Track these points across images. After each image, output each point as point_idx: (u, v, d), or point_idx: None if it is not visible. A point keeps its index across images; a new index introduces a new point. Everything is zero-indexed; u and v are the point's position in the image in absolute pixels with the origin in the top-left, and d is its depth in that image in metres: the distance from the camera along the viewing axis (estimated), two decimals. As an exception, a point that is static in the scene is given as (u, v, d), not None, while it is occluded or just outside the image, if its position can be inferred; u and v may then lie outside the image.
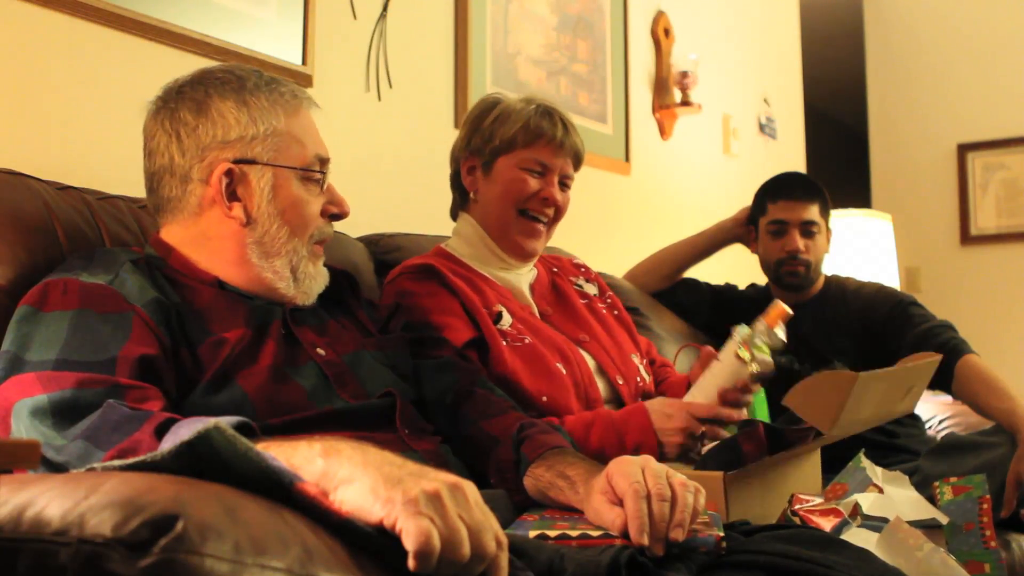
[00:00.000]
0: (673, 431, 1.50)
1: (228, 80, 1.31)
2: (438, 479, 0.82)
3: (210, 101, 1.29)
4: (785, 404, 1.43)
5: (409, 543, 0.76)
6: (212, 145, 1.27)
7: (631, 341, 1.87)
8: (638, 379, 1.78)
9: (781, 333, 1.58)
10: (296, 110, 1.33)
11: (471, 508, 0.81)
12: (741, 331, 1.56)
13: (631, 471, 1.07)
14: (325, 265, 1.40)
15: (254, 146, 1.28)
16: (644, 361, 1.86)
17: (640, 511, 1.03)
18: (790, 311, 1.59)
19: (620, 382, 1.74)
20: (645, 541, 1.01)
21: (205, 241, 1.30)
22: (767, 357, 1.55)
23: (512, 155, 1.75)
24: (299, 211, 1.31)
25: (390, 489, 0.80)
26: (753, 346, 1.53)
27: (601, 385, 1.72)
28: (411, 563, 0.76)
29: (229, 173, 1.27)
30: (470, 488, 0.83)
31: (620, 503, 1.06)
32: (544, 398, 1.60)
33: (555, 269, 1.93)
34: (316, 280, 1.35)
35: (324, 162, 1.35)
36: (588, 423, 1.56)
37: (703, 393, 1.57)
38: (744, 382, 1.55)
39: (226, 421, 0.87)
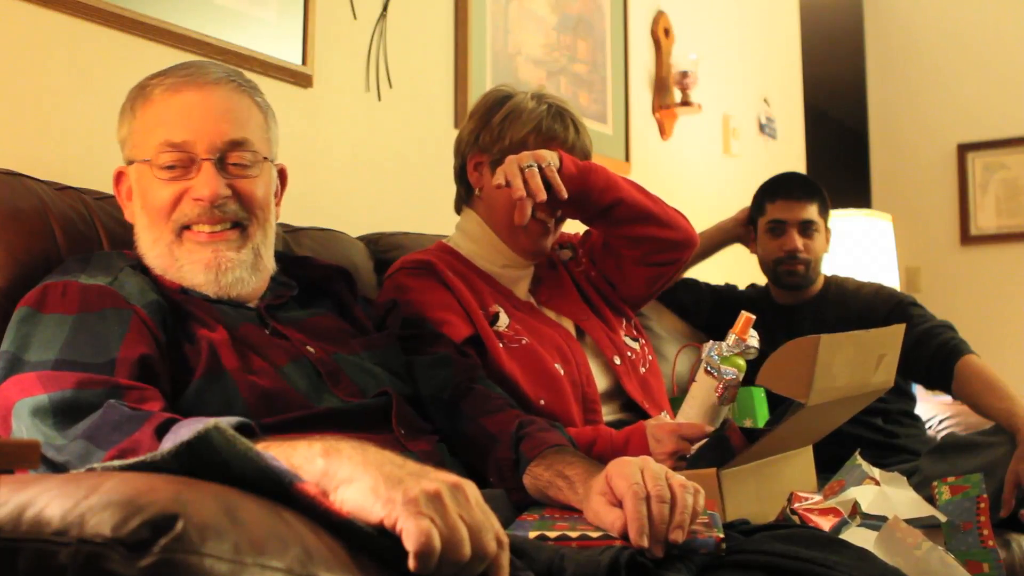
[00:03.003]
0: (663, 456, 1.50)
1: (138, 85, 1.35)
2: (439, 479, 0.82)
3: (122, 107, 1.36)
4: (759, 383, 1.44)
5: (409, 543, 0.76)
6: (122, 150, 1.35)
7: (611, 312, 1.85)
8: (629, 354, 1.78)
9: (753, 341, 1.60)
10: (147, 99, 1.30)
11: (472, 508, 0.81)
12: (710, 347, 1.58)
13: (630, 472, 1.07)
14: (319, 264, 1.40)
15: (126, 148, 1.34)
16: (628, 330, 1.85)
17: (639, 513, 1.02)
18: (753, 316, 1.60)
19: (617, 362, 1.74)
20: (645, 543, 1.01)
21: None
22: (737, 368, 1.58)
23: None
24: (148, 200, 1.29)
25: (390, 489, 0.80)
26: (723, 360, 1.55)
27: (598, 374, 1.72)
28: (411, 563, 0.76)
29: (118, 177, 1.35)
30: (471, 488, 0.83)
31: (619, 504, 1.06)
32: (542, 401, 1.60)
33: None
34: (228, 269, 1.28)
35: (178, 145, 1.26)
36: (589, 441, 1.56)
37: (687, 414, 1.59)
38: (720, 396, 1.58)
39: (226, 421, 0.87)
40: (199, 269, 1.27)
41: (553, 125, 1.72)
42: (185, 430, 0.94)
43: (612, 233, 1.81)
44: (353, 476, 0.83)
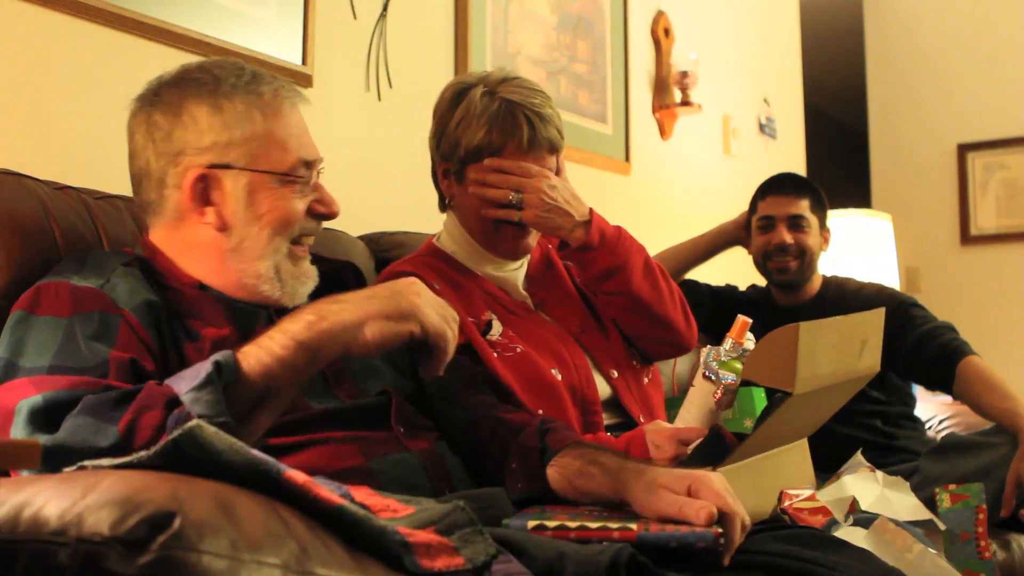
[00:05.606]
0: (664, 461, 1.49)
1: (204, 81, 1.26)
2: (409, 288, 1.15)
3: (184, 104, 1.25)
4: (745, 377, 1.45)
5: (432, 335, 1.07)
6: (186, 151, 1.24)
7: (615, 325, 1.80)
8: (634, 363, 1.76)
9: (750, 344, 1.60)
10: (277, 111, 1.28)
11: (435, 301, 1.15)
12: (708, 352, 1.58)
13: (722, 490, 1.10)
14: (326, 259, 1.39)
15: (229, 151, 1.24)
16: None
17: (736, 536, 1.08)
18: (750, 320, 1.60)
19: (615, 375, 1.71)
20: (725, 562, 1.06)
21: (186, 249, 1.27)
22: (735, 373, 1.58)
23: (480, 165, 1.65)
24: (279, 213, 1.26)
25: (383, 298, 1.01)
26: (721, 364, 1.56)
27: (598, 381, 1.69)
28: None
29: (203, 179, 1.23)
30: (420, 284, 1.16)
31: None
32: (540, 412, 1.58)
33: (549, 246, 1.86)
34: (301, 281, 1.30)
35: (310, 164, 1.30)
36: None
37: (685, 419, 1.58)
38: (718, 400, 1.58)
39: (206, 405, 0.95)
40: (305, 281, 1.30)
41: (504, 126, 1.64)
42: (185, 383, 0.99)
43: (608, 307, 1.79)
44: (343, 305, 1.04)
